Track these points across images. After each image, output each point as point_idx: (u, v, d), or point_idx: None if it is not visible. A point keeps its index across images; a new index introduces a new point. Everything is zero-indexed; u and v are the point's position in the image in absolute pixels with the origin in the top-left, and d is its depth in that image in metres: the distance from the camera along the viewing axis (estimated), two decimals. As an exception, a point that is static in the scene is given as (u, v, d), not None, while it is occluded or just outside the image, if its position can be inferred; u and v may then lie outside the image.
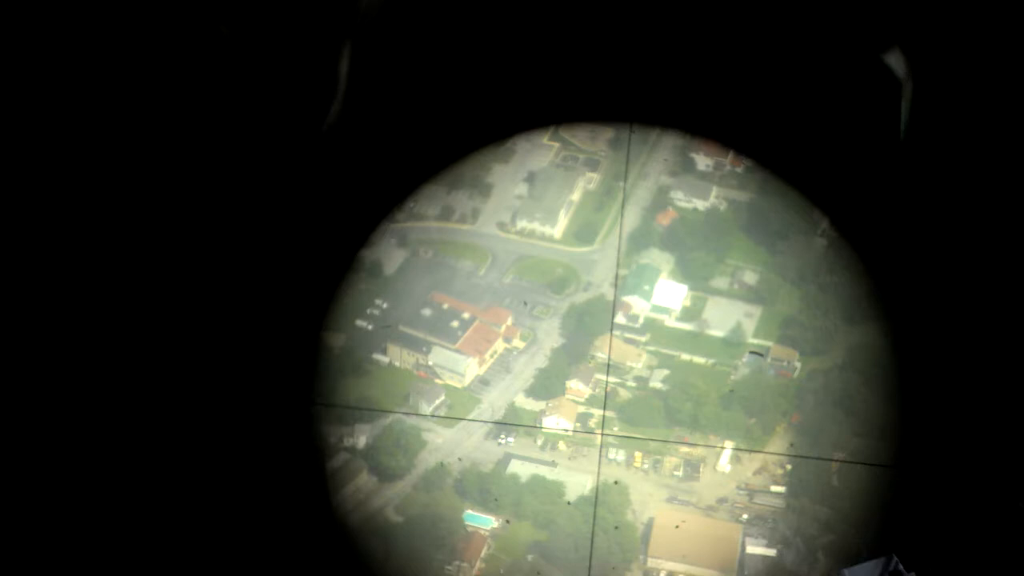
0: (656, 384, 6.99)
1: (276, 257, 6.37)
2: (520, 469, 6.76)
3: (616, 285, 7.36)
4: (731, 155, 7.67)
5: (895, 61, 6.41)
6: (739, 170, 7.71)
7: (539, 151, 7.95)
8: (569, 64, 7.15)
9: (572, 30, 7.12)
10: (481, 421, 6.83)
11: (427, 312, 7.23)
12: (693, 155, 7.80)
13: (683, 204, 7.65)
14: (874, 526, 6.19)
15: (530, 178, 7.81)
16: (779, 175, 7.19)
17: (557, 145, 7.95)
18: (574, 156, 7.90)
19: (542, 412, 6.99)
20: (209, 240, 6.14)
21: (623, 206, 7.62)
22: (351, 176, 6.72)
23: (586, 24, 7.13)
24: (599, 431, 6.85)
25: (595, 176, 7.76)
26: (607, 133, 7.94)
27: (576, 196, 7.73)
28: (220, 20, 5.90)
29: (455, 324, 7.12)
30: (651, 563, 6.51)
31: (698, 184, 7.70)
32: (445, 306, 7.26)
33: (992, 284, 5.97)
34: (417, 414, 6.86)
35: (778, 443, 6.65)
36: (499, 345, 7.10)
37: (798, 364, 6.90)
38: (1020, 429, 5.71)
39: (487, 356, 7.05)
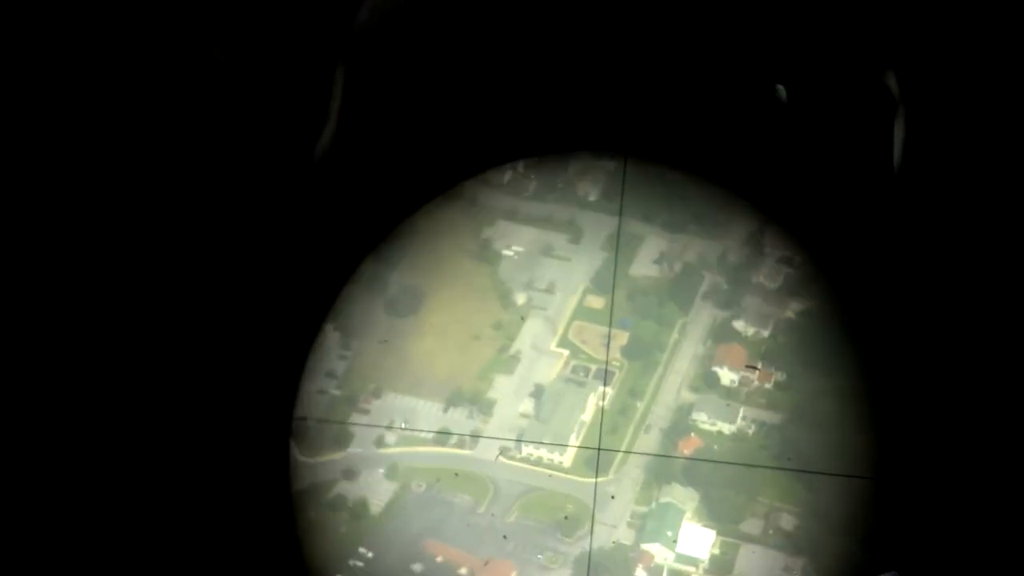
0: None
1: (266, 279, 6.23)
2: None
3: (634, 526, 6.48)
4: (759, 370, 6.85)
5: (890, 85, 6.24)
6: (768, 386, 6.89)
7: (546, 359, 7.10)
8: (562, 98, 6.92)
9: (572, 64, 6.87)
10: None
11: (418, 568, 6.29)
12: (716, 368, 6.98)
13: (707, 427, 6.82)
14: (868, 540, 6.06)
15: (537, 393, 6.96)
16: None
17: (566, 353, 7.10)
18: (585, 367, 7.05)
19: None
20: (200, 259, 6.02)
21: (640, 428, 6.75)
22: (343, 202, 6.55)
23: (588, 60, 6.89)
24: None
25: (609, 392, 6.90)
26: (621, 339, 7.11)
27: (588, 416, 6.86)
28: (213, 42, 5.81)
29: (451, 582, 6.21)
30: None
31: (723, 404, 6.87)
32: (439, 559, 6.33)
33: (987, 300, 5.87)
34: None
35: None
36: (503, 607, 6.20)
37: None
38: (1018, 440, 5.62)
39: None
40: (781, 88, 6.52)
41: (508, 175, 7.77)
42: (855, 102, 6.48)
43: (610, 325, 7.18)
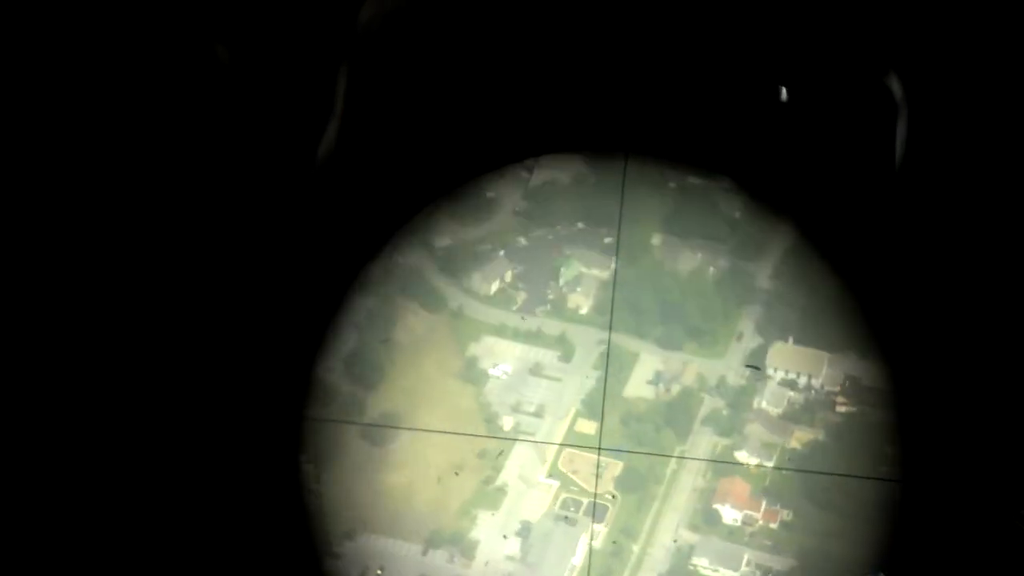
0: None
1: (271, 280, 6.19)
2: None
3: None
4: (763, 508, 6.35)
5: (892, 86, 6.18)
6: (774, 526, 6.39)
7: (534, 493, 6.56)
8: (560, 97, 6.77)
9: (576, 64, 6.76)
10: None
11: None
12: (718, 506, 6.47)
13: (709, 574, 6.28)
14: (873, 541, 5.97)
15: (524, 531, 6.41)
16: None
17: (556, 485, 6.57)
18: (576, 500, 6.51)
19: None
20: (205, 259, 6.01)
21: (636, 574, 6.22)
22: (348, 201, 6.51)
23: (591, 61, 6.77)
24: None
25: (602, 530, 6.36)
26: (615, 470, 6.59)
27: (579, 559, 6.32)
28: (217, 42, 5.87)
29: None
30: None
31: (726, 547, 6.36)
32: None
33: (990, 301, 5.84)
34: None
35: None
36: None
37: None
38: (1017, 441, 5.62)
39: None
40: (783, 89, 6.43)
41: (496, 285, 7.27)
42: (857, 104, 6.41)
43: (599, 453, 6.66)
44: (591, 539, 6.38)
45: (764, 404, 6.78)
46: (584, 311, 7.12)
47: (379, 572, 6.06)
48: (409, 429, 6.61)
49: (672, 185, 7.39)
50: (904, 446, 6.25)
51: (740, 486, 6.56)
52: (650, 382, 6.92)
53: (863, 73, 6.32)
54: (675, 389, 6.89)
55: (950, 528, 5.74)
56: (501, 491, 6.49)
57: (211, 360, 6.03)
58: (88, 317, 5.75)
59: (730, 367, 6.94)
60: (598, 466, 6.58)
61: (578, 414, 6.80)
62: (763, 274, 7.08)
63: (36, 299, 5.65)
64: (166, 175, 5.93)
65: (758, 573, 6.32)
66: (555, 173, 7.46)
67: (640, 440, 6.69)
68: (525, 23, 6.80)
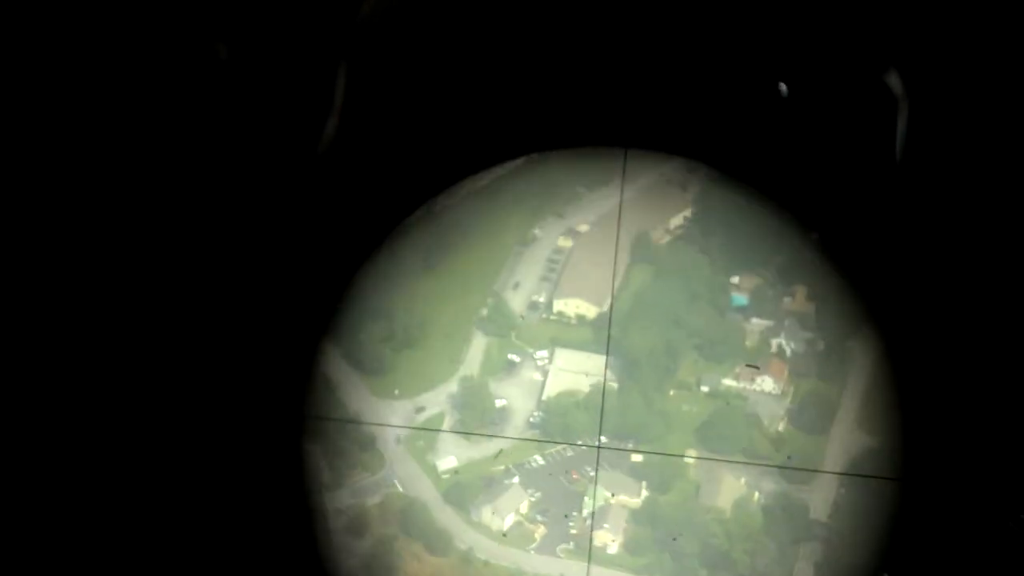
0: None
1: (271, 276, 6.13)
2: None
3: None
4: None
5: (892, 82, 6.07)
6: None
7: None
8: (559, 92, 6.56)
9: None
10: None
11: None
12: None
13: None
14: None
15: None
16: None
17: None
18: None
19: None
20: (204, 257, 5.95)
21: None
22: (348, 195, 6.42)
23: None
24: None
25: None
26: None
27: None
28: (217, 40, 5.87)
29: None
30: None
31: None
32: None
33: (991, 299, 5.78)
34: None
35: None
36: None
37: None
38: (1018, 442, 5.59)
39: None
40: (783, 86, 6.32)
41: (510, 519, 6.35)
42: (857, 101, 6.27)
43: None
44: None
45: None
46: (613, 550, 6.20)
47: None
48: None
49: (705, 389, 6.53)
50: (905, 446, 6.10)
51: None
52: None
53: (863, 69, 6.21)
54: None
55: (949, 529, 5.63)
56: None
57: (209, 360, 5.96)
58: (87, 315, 5.70)
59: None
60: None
61: None
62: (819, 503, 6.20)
63: (36, 297, 5.61)
64: (165, 172, 5.88)
65: None
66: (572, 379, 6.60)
67: None
68: (525, 17, 6.54)
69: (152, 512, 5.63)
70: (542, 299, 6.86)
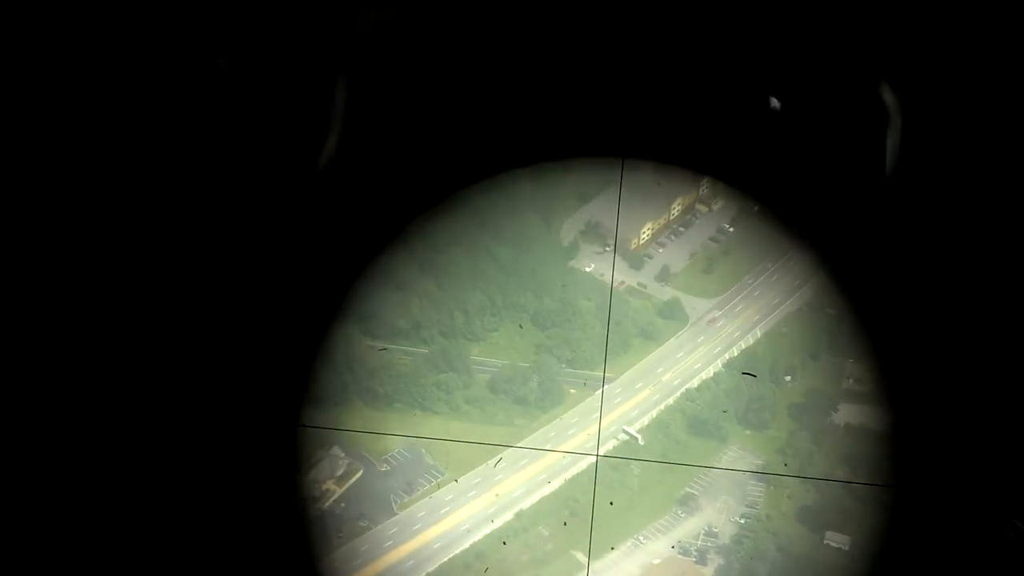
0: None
1: (269, 288, 6.18)
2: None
3: None
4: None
5: (884, 95, 6.11)
6: None
7: None
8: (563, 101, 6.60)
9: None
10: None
11: None
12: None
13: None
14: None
15: None
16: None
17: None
18: None
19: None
20: (205, 267, 6.01)
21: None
22: (348, 209, 6.44)
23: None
24: None
25: None
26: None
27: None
28: (218, 52, 5.89)
29: None
30: None
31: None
32: None
33: (983, 308, 5.86)
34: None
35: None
36: None
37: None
38: (1012, 448, 5.67)
39: None
40: (775, 100, 6.34)
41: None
42: (849, 113, 6.29)
43: None
44: None
45: None
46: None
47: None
48: None
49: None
50: (899, 452, 6.17)
51: None
52: None
53: (855, 82, 6.19)
54: None
55: (944, 535, 5.66)
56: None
57: (207, 367, 5.97)
58: (88, 322, 5.70)
59: None
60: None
61: None
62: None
63: (37, 300, 5.61)
64: (168, 184, 5.88)
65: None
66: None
67: None
68: (524, 30, 6.51)
69: (152, 512, 5.62)
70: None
